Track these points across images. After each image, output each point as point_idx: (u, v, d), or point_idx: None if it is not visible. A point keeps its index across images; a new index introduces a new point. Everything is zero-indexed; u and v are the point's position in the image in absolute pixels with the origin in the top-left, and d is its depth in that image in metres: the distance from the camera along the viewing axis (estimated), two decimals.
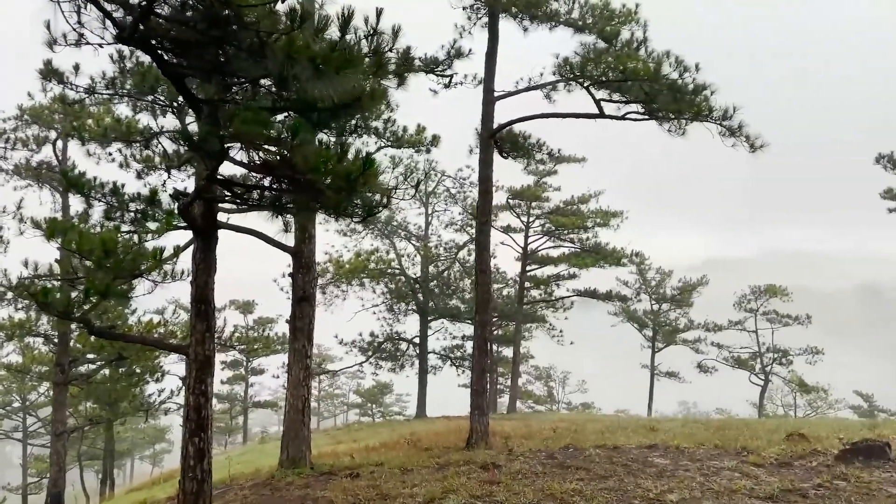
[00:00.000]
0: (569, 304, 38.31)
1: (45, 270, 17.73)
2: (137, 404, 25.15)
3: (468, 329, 37.00)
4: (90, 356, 22.95)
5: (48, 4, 6.87)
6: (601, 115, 13.72)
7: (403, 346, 36.23)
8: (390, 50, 7.57)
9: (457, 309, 35.15)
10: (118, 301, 17.22)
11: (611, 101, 13.79)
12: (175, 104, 14.89)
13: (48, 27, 7.54)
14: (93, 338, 21.16)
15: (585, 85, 13.67)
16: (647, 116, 13.51)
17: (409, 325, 36.59)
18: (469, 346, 36.88)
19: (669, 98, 12.71)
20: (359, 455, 13.63)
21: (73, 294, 9.99)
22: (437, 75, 15.31)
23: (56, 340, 22.32)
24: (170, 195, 8.82)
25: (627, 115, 13.71)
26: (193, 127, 13.62)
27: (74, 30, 7.03)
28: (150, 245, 9.35)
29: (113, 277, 8.33)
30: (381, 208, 8.14)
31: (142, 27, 6.12)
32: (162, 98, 14.42)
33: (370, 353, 35.36)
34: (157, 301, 35.78)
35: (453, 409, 34.99)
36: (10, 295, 20.58)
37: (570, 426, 17.62)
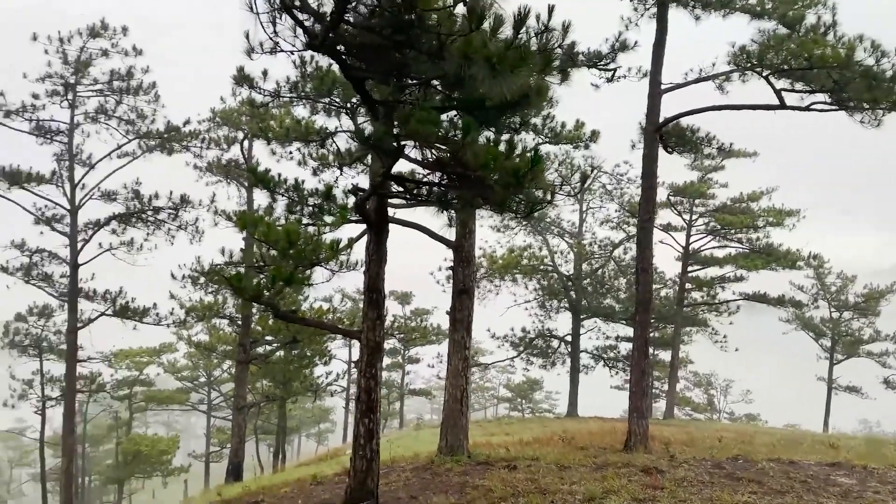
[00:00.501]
0: (734, 309, 36.03)
1: (230, 259, 19.64)
2: (307, 385, 27.14)
3: (622, 329, 36.08)
4: (268, 338, 25.12)
5: (249, 17, 7.61)
6: (782, 105, 12.76)
7: (555, 343, 35.99)
8: (559, 47, 7.59)
9: (611, 308, 34.34)
10: (297, 288, 18.68)
11: (793, 90, 12.79)
12: (348, 105, 15.77)
13: (247, 37, 8.33)
14: (271, 321, 23.16)
15: (764, 74, 12.77)
16: (835, 107, 12.38)
17: (561, 323, 36.34)
18: (623, 346, 35.96)
19: (863, 86, 11.55)
20: (513, 448, 13.78)
21: (255, 280, 11.01)
22: (600, 69, 15.07)
23: (240, 322, 24.64)
24: (348, 191, 9.44)
25: (812, 106, 12.65)
26: (364, 127, 14.42)
27: (270, 38, 7.71)
28: (327, 237, 9.98)
29: (295, 266, 9.06)
30: (544, 204, 8.20)
31: (331, 35, 6.62)
32: (337, 100, 15.36)
33: (521, 349, 35.46)
34: (324, 290, 38.40)
35: (604, 410, 34.29)
36: (202, 280, 23.02)
37: (737, 437, 16.63)
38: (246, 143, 24.31)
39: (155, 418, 71.57)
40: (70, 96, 22.39)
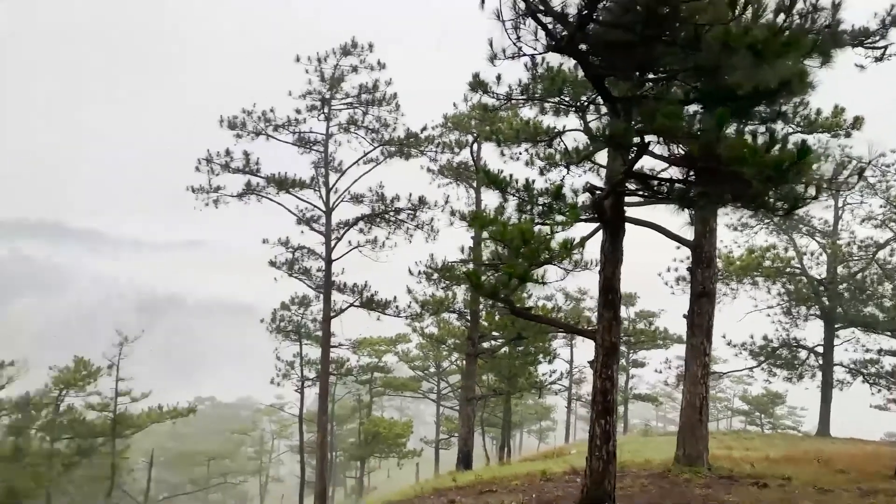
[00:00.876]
0: None
1: (468, 256, 20.51)
2: (532, 381, 27.50)
3: (886, 342, 31.51)
4: (494, 333, 25.91)
5: (496, 25, 7.92)
6: None
7: (802, 354, 32.51)
8: (827, 27, 6.88)
9: (873, 317, 30.21)
10: (521, 286, 19.04)
11: None
12: (577, 104, 15.66)
13: (491, 44, 8.67)
14: (497, 317, 23.86)
15: None
16: None
17: (811, 332, 32.70)
18: (888, 361, 31.45)
19: None
20: (758, 464, 12.73)
21: (484, 277, 11.38)
22: (867, 48, 13.41)
23: (468, 317, 25.74)
24: (583, 189, 9.41)
25: None
26: (601, 124, 14.22)
27: (514, 44, 7.96)
28: (559, 236, 10.02)
29: (529, 264, 9.25)
30: (810, 201, 7.43)
31: (576, 35, 6.66)
32: (567, 99, 15.33)
33: (762, 359, 32.55)
34: (546, 288, 38.63)
35: (862, 431, 30.30)
36: (435, 276, 24.44)
37: None
38: (475, 146, 25.27)
39: (389, 403, 77.30)
40: (326, 110, 25.06)
